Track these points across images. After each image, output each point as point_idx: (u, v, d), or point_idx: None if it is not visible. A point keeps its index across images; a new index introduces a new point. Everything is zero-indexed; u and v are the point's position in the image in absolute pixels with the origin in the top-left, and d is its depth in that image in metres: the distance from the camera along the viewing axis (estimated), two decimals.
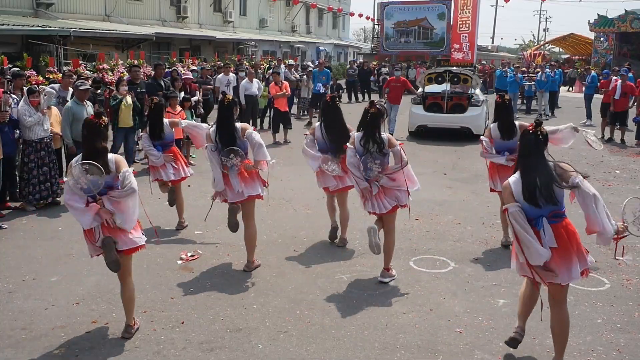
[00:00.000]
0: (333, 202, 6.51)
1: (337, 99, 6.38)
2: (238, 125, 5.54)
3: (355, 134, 5.40)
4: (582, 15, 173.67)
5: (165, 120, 6.92)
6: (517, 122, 6.19)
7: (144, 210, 4.40)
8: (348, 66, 26.45)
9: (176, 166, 6.85)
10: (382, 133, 5.28)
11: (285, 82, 13.86)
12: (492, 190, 6.41)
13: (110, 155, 4.18)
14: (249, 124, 14.15)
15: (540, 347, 4.20)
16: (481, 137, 6.42)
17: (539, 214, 3.69)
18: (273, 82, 13.49)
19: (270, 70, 17.17)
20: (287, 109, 13.51)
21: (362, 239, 6.27)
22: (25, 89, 8.05)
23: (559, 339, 3.83)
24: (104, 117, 4.19)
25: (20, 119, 7.43)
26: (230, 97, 5.63)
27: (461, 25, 26.10)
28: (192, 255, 5.97)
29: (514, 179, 3.79)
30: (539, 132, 3.75)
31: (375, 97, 24.47)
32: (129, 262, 4.29)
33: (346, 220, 6.41)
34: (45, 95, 7.85)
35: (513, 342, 4.10)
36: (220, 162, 5.43)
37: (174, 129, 6.91)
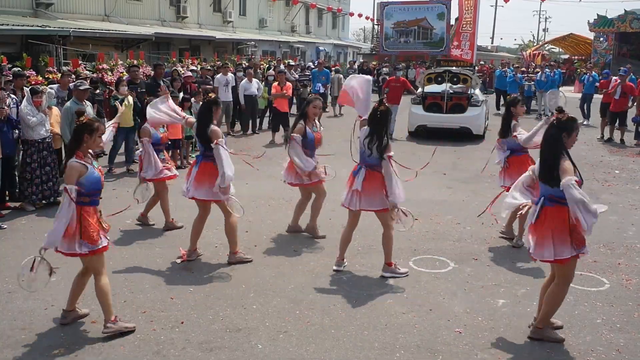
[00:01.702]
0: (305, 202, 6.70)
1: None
2: (213, 127, 5.49)
3: (362, 129, 5.41)
4: (581, 15, 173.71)
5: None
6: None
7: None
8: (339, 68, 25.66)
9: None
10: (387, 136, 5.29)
11: (289, 83, 13.66)
12: (503, 186, 6.37)
13: None
14: (248, 124, 14.29)
15: (540, 347, 4.21)
16: (517, 135, 6.30)
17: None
18: (277, 82, 13.26)
19: (271, 70, 17.12)
20: (288, 110, 13.45)
21: (362, 239, 6.28)
22: (26, 89, 8.05)
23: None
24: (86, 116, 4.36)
25: (24, 118, 7.42)
26: (213, 96, 5.69)
27: (464, 26, 26.05)
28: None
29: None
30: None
31: (374, 97, 24.34)
32: (93, 262, 4.28)
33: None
34: (46, 95, 7.87)
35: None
36: None
37: (165, 128, 6.89)
